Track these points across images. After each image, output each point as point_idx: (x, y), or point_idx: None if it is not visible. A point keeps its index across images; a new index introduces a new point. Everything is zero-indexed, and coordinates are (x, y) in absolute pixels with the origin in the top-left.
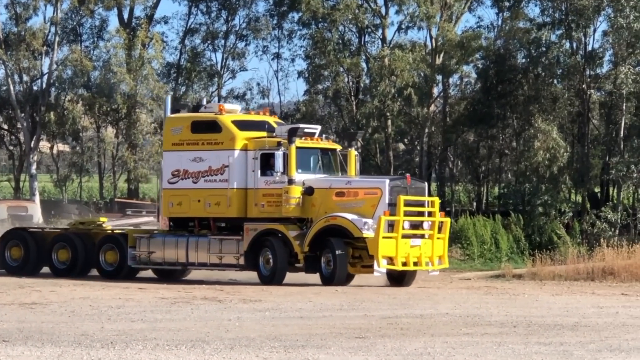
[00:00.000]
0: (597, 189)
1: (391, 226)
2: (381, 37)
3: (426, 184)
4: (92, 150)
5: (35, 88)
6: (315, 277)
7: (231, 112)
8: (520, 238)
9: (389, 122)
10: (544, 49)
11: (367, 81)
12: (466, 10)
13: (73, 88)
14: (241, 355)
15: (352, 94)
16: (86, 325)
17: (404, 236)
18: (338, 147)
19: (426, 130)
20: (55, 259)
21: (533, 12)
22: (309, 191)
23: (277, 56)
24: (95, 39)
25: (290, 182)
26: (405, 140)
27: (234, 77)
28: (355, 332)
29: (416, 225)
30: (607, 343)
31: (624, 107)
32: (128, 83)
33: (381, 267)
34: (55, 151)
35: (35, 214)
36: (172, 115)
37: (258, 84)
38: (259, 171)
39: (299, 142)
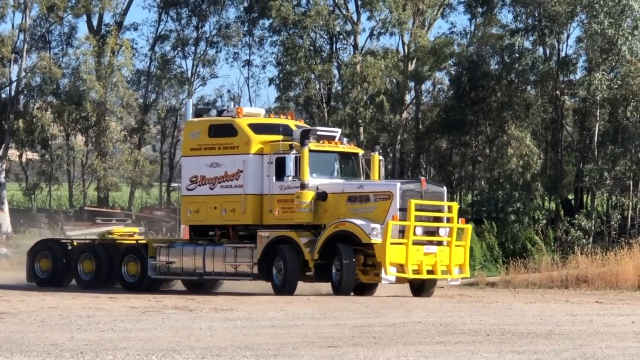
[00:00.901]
0: (570, 196)
1: (402, 232)
2: (353, 43)
3: (444, 188)
4: (61, 159)
5: (3, 96)
6: (329, 287)
7: (252, 115)
8: (493, 246)
9: (361, 129)
10: (517, 55)
11: (339, 88)
12: (439, 16)
13: (42, 95)
14: None
15: (324, 101)
16: (55, 335)
17: (416, 243)
18: (360, 152)
19: (399, 137)
20: (80, 270)
21: (506, 18)
22: (322, 196)
23: (248, 63)
24: (64, 46)
25: (303, 186)
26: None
27: (205, 84)
28: (327, 341)
29: (431, 232)
30: (581, 351)
31: (598, 114)
32: (97, 90)
33: (388, 274)
34: (24, 159)
35: (4, 222)
36: (191, 120)
37: (229, 91)
38: (274, 176)
39: (313, 145)
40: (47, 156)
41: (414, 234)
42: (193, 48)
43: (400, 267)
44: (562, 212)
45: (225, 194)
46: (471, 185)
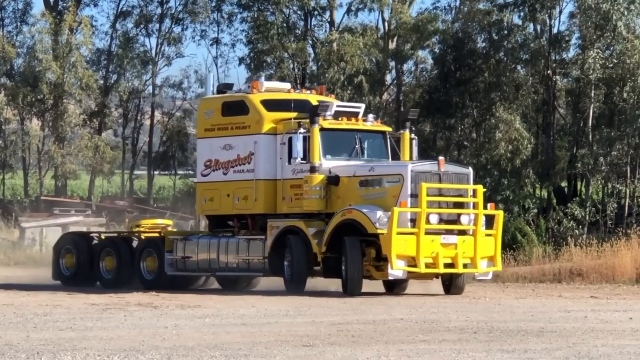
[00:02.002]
0: (563, 184)
1: (414, 220)
2: (329, 20)
3: (470, 169)
4: (15, 145)
5: None
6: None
7: (273, 90)
8: None
9: None
10: (505, 32)
11: (314, 68)
12: None
13: None
14: None
15: (298, 82)
16: (10, 334)
17: (431, 232)
18: (387, 129)
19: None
20: (102, 267)
21: None
22: (333, 180)
23: (217, 41)
24: (19, 24)
25: (313, 170)
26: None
27: (170, 64)
28: (302, 339)
29: (451, 220)
30: (575, 350)
31: (592, 95)
32: (54, 71)
33: (394, 269)
34: None
35: None
36: (205, 97)
37: (196, 72)
38: (287, 159)
39: (328, 123)
40: (0, 142)
41: (428, 222)
42: (157, 25)
43: (412, 260)
44: (554, 201)
45: (237, 179)
46: None
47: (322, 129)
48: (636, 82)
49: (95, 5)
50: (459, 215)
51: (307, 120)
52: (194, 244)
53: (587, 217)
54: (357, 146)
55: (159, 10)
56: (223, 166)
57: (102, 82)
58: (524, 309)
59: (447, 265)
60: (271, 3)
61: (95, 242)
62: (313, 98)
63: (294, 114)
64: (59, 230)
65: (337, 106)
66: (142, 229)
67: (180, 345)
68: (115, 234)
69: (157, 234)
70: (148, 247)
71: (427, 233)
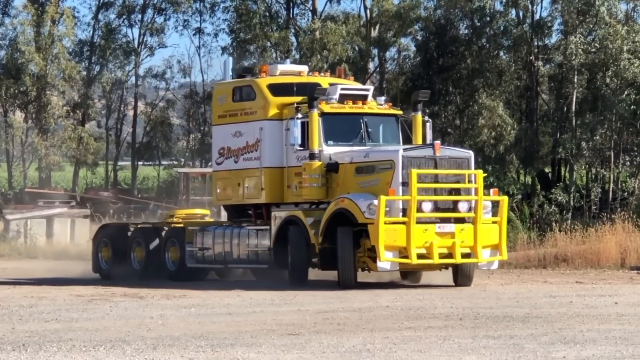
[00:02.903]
0: (547, 169)
1: (405, 208)
2: (311, 8)
3: (471, 153)
4: None
5: None
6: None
7: (287, 74)
8: None
9: None
10: (488, 18)
11: (297, 56)
12: None
13: None
14: (165, 355)
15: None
16: None
17: (423, 221)
18: (397, 112)
19: None
20: (133, 258)
21: None
22: (333, 167)
23: (199, 31)
24: (0, 16)
25: (312, 156)
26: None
27: (153, 54)
28: (288, 328)
29: (447, 208)
30: (560, 335)
31: (575, 80)
32: (37, 63)
33: (382, 260)
34: None
35: None
36: (218, 82)
37: (179, 62)
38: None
39: (329, 107)
40: None
41: (420, 210)
42: (140, 16)
43: (404, 251)
44: (538, 186)
45: (246, 167)
46: None
47: (323, 114)
48: (619, 67)
49: None
50: (456, 202)
51: (306, 105)
52: (211, 235)
53: (572, 203)
54: (362, 131)
55: (141, 1)
56: (234, 154)
57: (85, 73)
58: (510, 295)
59: (443, 256)
60: None
61: (128, 233)
62: (325, 81)
63: (299, 98)
64: (44, 222)
65: (342, 89)
66: (175, 219)
67: (166, 335)
68: (149, 225)
69: (181, 225)
70: (172, 238)
71: (419, 222)
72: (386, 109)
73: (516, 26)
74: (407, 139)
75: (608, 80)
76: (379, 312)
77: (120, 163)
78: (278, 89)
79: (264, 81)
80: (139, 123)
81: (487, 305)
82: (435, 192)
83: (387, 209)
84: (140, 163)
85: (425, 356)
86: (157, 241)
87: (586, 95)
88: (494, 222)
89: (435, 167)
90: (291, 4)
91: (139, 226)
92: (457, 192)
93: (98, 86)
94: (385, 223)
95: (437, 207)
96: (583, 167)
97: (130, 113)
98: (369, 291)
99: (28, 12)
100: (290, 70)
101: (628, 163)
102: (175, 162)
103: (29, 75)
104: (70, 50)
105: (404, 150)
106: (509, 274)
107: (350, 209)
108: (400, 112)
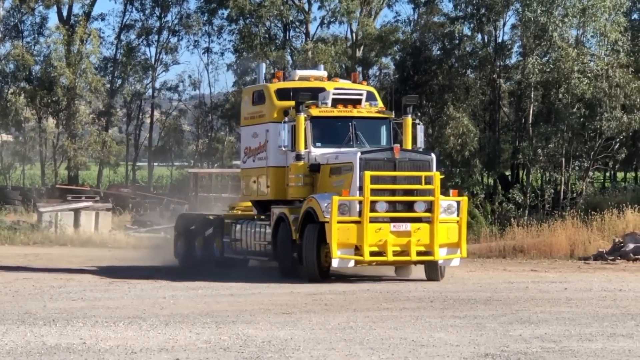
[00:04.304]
0: (507, 172)
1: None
2: (305, 31)
3: (433, 156)
4: (34, 140)
5: None
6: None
7: (304, 79)
8: None
9: None
10: (457, 41)
11: None
12: (384, 5)
13: (16, 81)
14: (175, 330)
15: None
16: (29, 304)
17: (377, 220)
18: (388, 116)
19: None
20: (195, 246)
21: (447, 7)
22: (315, 168)
23: (208, 50)
24: (36, 35)
25: (298, 158)
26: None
27: (167, 70)
28: (282, 308)
29: (403, 208)
30: (517, 316)
31: (532, 96)
32: (67, 76)
33: (334, 257)
34: None
35: None
36: (247, 87)
37: (190, 77)
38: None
39: (318, 111)
40: (20, 138)
41: (374, 210)
42: (156, 36)
43: (359, 249)
44: (499, 187)
45: (259, 166)
46: None
47: (312, 117)
48: (569, 84)
49: (103, 19)
50: (412, 203)
51: (293, 110)
52: (238, 228)
53: (528, 201)
54: (350, 133)
55: (157, 24)
56: (253, 153)
57: (108, 86)
58: (474, 281)
59: (397, 253)
60: (255, 17)
61: (194, 223)
62: (330, 85)
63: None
64: (72, 214)
65: (335, 93)
66: (235, 212)
67: (177, 313)
68: (211, 216)
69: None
70: (217, 229)
71: (373, 221)
72: (376, 112)
73: (481, 48)
74: (397, 141)
75: (560, 96)
76: (360, 295)
77: (138, 164)
78: (284, 94)
79: (273, 86)
80: (155, 129)
81: (454, 289)
82: (394, 193)
83: (347, 208)
84: (155, 164)
85: (400, 333)
86: (210, 231)
87: (541, 108)
88: (448, 222)
89: (395, 169)
90: (288, 28)
91: (211, 217)
92: (413, 193)
93: (120, 97)
94: (338, 222)
95: (394, 208)
96: (538, 171)
97: (147, 120)
98: (352, 276)
99: (60, 32)
100: (308, 75)
101: (577, 168)
102: (185, 163)
103: (60, 87)
104: (96, 65)
105: (362, 153)
106: (473, 263)
107: (315, 208)
108: (391, 116)
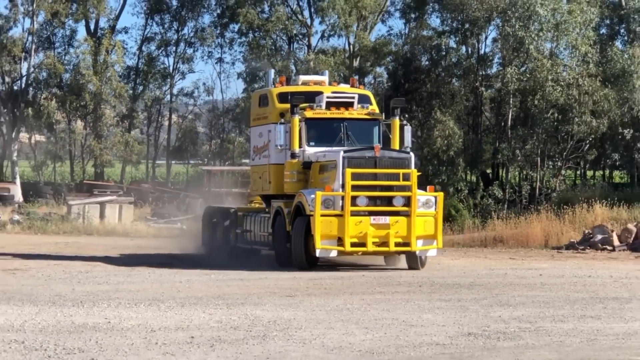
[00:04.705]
0: (488, 170)
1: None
2: (307, 43)
3: (411, 155)
4: (64, 140)
5: (15, 88)
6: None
7: (306, 83)
8: None
9: None
10: (443, 53)
11: None
12: (379, 21)
13: (48, 88)
14: (190, 311)
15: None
16: (59, 288)
17: (358, 214)
18: (377, 117)
19: None
20: (216, 235)
21: (435, 22)
22: (307, 165)
23: (220, 60)
24: (66, 46)
25: (293, 156)
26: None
27: (184, 77)
28: (286, 291)
29: (382, 202)
30: (497, 299)
31: (511, 102)
32: (94, 83)
33: (318, 247)
34: (32, 141)
35: (16, 194)
36: (256, 90)
37: (204, 84)
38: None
39: (312, 113)
40: (52, 138)
41: (355, 204)
42: (174, 48)
43: (341, 240)
44: (481, 184)
45: (263, 163)
46: None
47: (306, 119)
48: (544, 92)
49: (126, 32)
50: (391, 197)
51: (287, 112)
52: (248, 220)
53: (507, 197)
54: (341, 134)
55: (175, 36)
56: (259, 152)
57: (131, 92)
58: (458, 268)
59: (377, 244)
60: (263, 31)
61: (215, 214)
62: (328, 89)
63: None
64: (98, 207)
65: (329, 96)
66: (253, 205)
67: (192, 295)
68: (230, 209)
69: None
70: (232, 220)
71: (354, 215)
72: (366, 114)
73: (465, 59)
74: (387, 141)
75: (536, 102)
76: (357, 280)
77: (157, 162)
78: (284, 97)
79: (275, 90)
80: (172, 131)
81: (441, 275)
82: (375, 188)
83: (331, 202)
84: (173, 162)
85: (392, 314)
86: (228, 222)
87: (519, 113)
88: (425, 215)
89: (375, 166)
90: (292, 40)
91: (221, 209)
92: (392, 188)
93: (141, 102)
94: (322, 215)
95: (374, 202)
96: (516, 169)
97: (166, 123)
98: (348, 264)
99: (88, 44)
100: (310, 80)
101: (551, 167)
102: (200, 162)
103: (88, 93)
104: (120, 74)
105: (345, 151)
106: (457, 252)
107: (303, 202)
108: (381, 117)
